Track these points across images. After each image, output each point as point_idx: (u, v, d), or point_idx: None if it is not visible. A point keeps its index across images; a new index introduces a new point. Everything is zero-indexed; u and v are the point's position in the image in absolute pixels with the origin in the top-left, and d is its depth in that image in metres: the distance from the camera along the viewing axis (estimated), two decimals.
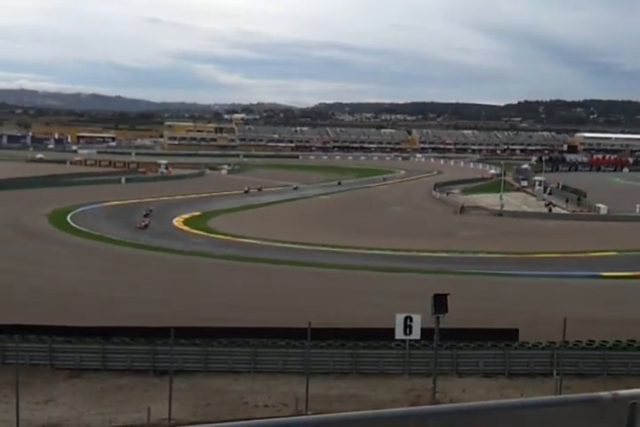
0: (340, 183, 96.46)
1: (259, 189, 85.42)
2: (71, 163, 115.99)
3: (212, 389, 21.76)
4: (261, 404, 20.59)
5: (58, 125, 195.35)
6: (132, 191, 75.59)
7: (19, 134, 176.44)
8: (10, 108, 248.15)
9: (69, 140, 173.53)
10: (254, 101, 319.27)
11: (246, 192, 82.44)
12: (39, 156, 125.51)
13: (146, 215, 58.34)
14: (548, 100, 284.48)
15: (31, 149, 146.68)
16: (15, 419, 18.21)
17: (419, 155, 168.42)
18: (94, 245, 46.56)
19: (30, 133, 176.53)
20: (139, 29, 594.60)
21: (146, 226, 54.56)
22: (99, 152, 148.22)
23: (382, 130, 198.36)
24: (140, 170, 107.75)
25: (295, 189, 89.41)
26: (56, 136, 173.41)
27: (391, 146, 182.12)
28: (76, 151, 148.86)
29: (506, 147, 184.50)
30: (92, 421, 19.14)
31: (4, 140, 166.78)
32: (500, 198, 75.91)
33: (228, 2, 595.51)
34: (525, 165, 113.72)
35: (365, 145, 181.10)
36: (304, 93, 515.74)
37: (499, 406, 3.27)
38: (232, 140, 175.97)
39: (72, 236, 50.07)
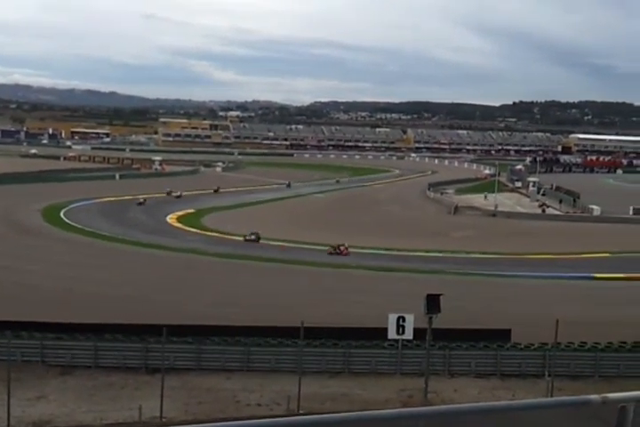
0: (338, 181, 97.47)
1: (177, 197, 72.36)
2: (65, 158, 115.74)
3: (204, 387, 21.70)
4: (254, 403, 20.56)
5: (52, 121, 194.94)
6: (126, 188, 75.47)
7: (12, 129, 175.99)
8: (4, 103, 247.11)
9: (63, 135, 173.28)
10: (249, 99, 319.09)
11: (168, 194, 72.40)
12: (33, 151, 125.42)
13: (253, 239, 48.86)
14: (542, 100, 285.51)
15: (25, 144, 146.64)
16: (6, 416, 18.15)
17: (413, 154, 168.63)
18: (86, 241, 46.45)
19: (24, 128, 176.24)
20: (134, 25, 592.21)
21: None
22: (93, 148, 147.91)
23: (377, 129, 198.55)
24: (135, 166, 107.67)
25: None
26: (50, 131, 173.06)
27: (386, 145, 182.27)
28: (70, 147, 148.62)
29: (500, 147, 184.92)
30: (83, 418, 19.07)
31: None
32: (485, 198, 77.41)
33: None
34: (519, 166, 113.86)
35: (360, 144, 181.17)
36: (299, 91, 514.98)
37: (489, 408, 3.27)
38: (227, 138, 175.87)
39: (65, 231, 49.96)
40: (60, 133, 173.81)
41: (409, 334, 22.35)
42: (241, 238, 49.11)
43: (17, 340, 22.48)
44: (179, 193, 73.19)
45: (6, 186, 71.62)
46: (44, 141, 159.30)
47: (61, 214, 57.67)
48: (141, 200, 66.74)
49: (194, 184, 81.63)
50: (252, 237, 48.75)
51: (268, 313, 27.54)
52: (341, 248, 45.07)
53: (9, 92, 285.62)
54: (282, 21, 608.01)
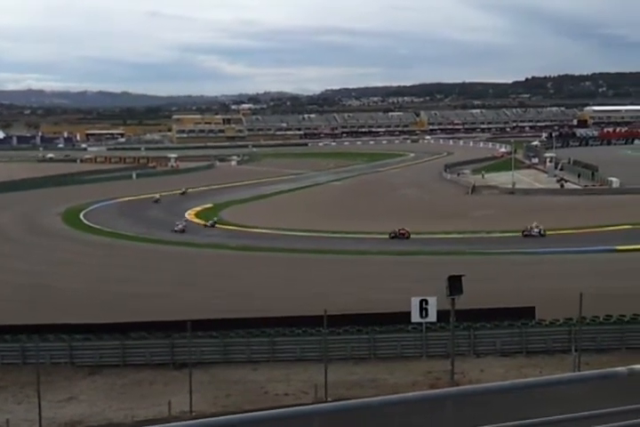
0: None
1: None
2: (81, 161, 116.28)
3: (231, 380, 21.87)
4: (281, 392, 20.69)
5: (66, 124, 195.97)
6: (143, 186, 75.73)
7: (28, 135, 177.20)
8: (18, 109, 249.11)
9: (78, 138, 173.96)
10: (260, 91, 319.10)
11: None
12: (49, 155, 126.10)
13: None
14: (555, 75, 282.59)
15: (41, 148, 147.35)
16: (38, 418, 18.39)
17: (428, 136, 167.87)
18: (107, 242, 46.75)
19: (39, 133, 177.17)
20: (140, 24, 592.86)
21: None
22: (108, 149, 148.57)
23: (390, 113, 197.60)
24: (151, 165, 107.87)
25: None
26: (65, 135, 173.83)
27: (400, 129, 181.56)
28: (85, 149, 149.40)
29: (515, 124, 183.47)
30: (114, 416, 19.29)
31: (14, 140, 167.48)
32: (482, 177, 77.93)
33: None
34: (536, 142, 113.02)
35: (374, 129, 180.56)
36: (310, 80, 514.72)
37: (517, 385, 3.29)
38: (240, 131, 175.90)
39: (85, 233, 50.31)
40: (75, 136, 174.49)
41: (432, 317, 22.40)
42: (265, 230, 49.36)
43: (45, 342, 22.76)
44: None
45: (26, 191, 72.16)
46: (60, 145, 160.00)
47: (81, 216, 58.05)
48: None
49: (202, 180, 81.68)
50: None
51: (292, 303, 27.65)
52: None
53: (23, 98, 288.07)
54: (285, 10, 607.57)
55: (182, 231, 49.84)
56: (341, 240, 45.52)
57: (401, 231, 45.54)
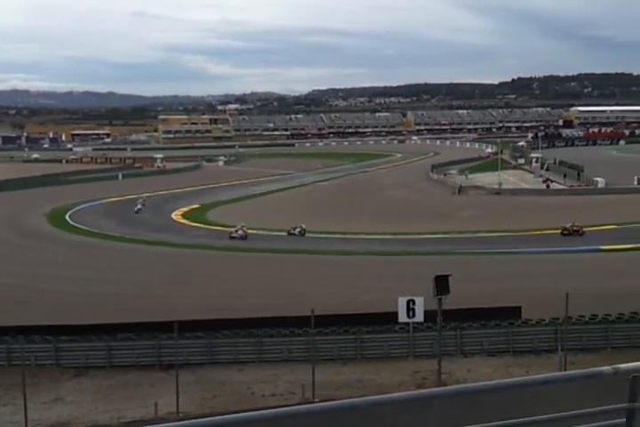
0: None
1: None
2: (67, 161, 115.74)
3: (218, 380, 21.79)
4: (268, 393, 20.61)
5: (52, 124, 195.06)
6: (129, 187, 75.49)
7: (13, 135, 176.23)
8: (3, 110, 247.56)
9: (64, 138, 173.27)
10: (247, 91, 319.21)
11: None
12: (35, 155, 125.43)
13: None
14: (541, 75, 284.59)
15: (26, 149, 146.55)
16: (24, 420, 18.27)
17: (414, 137, 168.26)
18: (93, 243, 46.52)
19: (25, 134, 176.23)
20: (126, 24, 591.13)
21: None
22: (94, 149, 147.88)
23: (377, 114, 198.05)
24: (137, 165, 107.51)
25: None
26: (51, 135, 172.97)
27: (386, 129, 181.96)
28: (71, 149, 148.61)
29: (501, 125, 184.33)
30: (100, 418, 19.18)
31: None
32: (466, 177, 78.23)
33: None
34: (522, 143, 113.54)
35: (361, 130, 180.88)
36: (297, 81, 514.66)
37: (503, 385, 3.29)
38: (227, 131, 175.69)
39: (70, 234, 50.06)
40: (61, 137, 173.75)
41: (419, 317, 22.34)
42: (252, 231, 49.10)
43: (30, 344, 22.57)
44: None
45: (11, 192, 71.72)
46: (46, 146, 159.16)
47: (67, 217, 57.76)
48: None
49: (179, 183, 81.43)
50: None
51: (280, 303, 27.62)
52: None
53: (7, 98, 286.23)
54: (271, 11, 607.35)
55: (243, 238, 45.49)
56: (326, 240, 45.45)
57: (574, 228, 43.50)
